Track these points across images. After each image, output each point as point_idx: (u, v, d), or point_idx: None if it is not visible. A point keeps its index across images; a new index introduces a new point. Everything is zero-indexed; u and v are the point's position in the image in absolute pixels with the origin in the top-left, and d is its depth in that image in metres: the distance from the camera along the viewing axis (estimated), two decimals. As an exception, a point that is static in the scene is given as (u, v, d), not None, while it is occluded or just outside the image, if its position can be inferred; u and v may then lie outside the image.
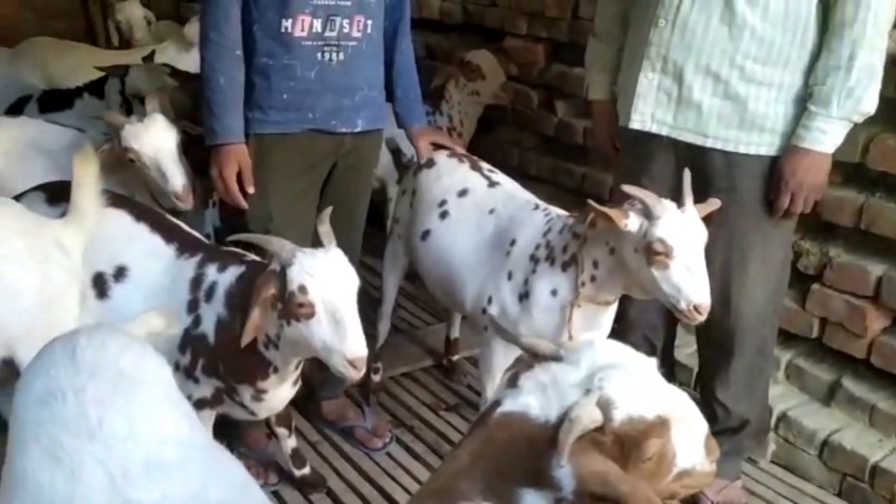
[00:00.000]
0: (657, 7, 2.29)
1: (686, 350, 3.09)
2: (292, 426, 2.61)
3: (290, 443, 2.61)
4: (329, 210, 2.08)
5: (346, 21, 2.43)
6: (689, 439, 1.09)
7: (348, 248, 2.36)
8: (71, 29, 5.47)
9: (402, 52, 2.72)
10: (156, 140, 2.60)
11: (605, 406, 1.00)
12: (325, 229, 2.01)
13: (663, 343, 2.74)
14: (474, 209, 2.58)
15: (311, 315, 1.89)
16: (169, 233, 2.27)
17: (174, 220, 2.36)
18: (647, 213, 2.02)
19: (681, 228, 2.01)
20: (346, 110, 2.52)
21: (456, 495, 1.01)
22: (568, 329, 2.22)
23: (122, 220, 2.25)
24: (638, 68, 2.35)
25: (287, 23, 2.36)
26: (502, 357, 2.50)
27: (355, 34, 2.47)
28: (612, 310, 2.33)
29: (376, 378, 3.13)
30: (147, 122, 2.63)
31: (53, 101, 3.57)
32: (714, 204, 2.14)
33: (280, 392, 2.20)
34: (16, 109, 3.54)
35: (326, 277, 1.89)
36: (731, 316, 2.45)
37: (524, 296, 2.33)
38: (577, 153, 3.69)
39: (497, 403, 1.05)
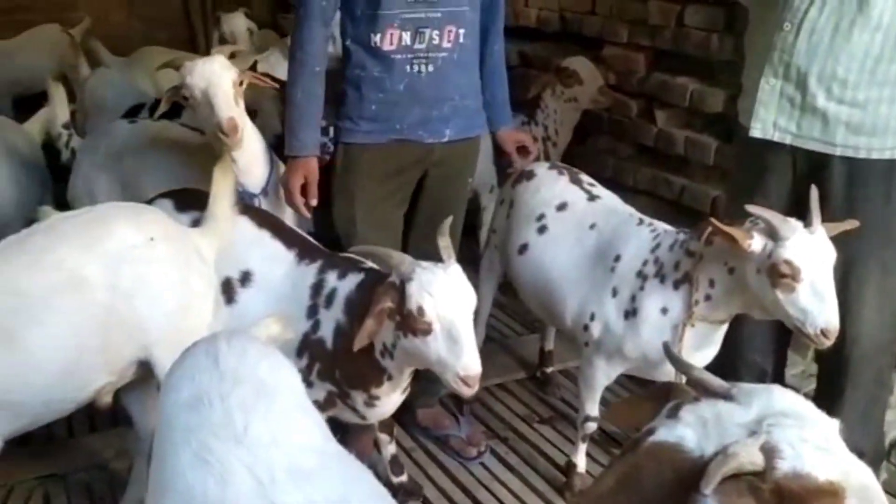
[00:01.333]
0: (783, 10, 2.21)
1: (791, 371, 2.99)
2: (394, 433, 2.64)
3: (391, 449, 2.64)
4: (449, 220, 2.09)
5: (436, 32, 2.44)
6: None
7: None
8: (174, 38, 5.69)
9: (493, 54, 2.73)
10: (209, 74, 2.48)
11: (769, 452, 0.95)
12: (444, 243, 2.02)
13: (774, 367, 2.66)
14: (574, 224, 2.56)
15: (427, 332, 1.91)
16: (289, 239, 2.33)
17: (293, 226, 2.42)
18: (773, 234, 1.96)
19: (809, 249, 1.95)
20: (434, 121, 2.53)
21: None
22: (679, 349, 2.18)
23: (245, 226, 2.32)
24: (760, 73, 2.28)
25: (376, 37, 2.40)
26: (603, 374, 2.48)
27: (446, 45, 2.47)
28: (723, 329, 2.28)
29: (470, 388, 3.14)
30: (205, 59, 2.57)
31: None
32: (848, 224, 2.06)
33: (391, 398, 2.24)
34: (130, 117, 3.67)
35: (445, 295, 1.91)
36: (847, 344, 2.35)
37: (631, 313, 2.30)
38: (676, 164, 3.62)
39: (651, 431, 1.03)
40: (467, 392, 1.95)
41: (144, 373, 2.14)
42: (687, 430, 1.00)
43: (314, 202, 2.49)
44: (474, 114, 2.67)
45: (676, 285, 2.21)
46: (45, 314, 1.88)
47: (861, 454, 2.60)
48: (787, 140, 2.28)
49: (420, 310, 1.89)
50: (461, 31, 2.49)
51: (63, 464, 2.73)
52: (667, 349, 1.25)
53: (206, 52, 5.48)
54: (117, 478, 2.65)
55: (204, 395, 1.28)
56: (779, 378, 2.75)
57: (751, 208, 2.01)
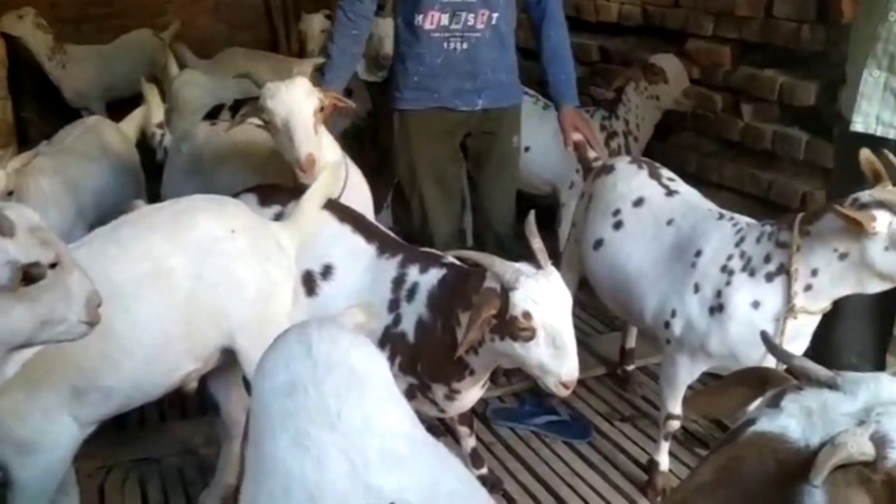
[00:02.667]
0: (889, 0, 2.13)
1: (890, 370, 2.87)
2: (473, 426, 2.65)
3: (470, 442, 2.65)
4: (532, 218, 2.09)
5: (471, 15, 2.80)
6: None
7: (502, 204, 3.05)
8: (256, 39, 5.84)
9: (550, 39, 2.98)
10: (291, 103, 2.43)
11: (879, 442, 0.92)
12: (538, 245, 2.01)
13: (873, 369, 2.56)
14: (651, 220, 2.52)
15: (530, 338, 1.93)
16: (370, 233, 2.37)
17: (373, 221, 2.46)
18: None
19: None
20: (467, 92, 2.89)
21: None
22: (780, 342, 2.12)
23: (328, 221, 2.37)
24: (862, 65, 2.20)
25: (419, 17, 2.80)
26: (686, 371, 2.43)
27: (479, 26, 2.82)
28: (815, 321, 2.22)
29: (549, 383, 3.12)
30: (288, 83, 2.47)
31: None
32: None
33: (471, 393, 2.26)
34: (211, 117, 3.79)
35: (548, 302, 1.92)
36: None
37: (716, 308, 2.25)
38: (764, 159, 3.52)
39: (750, 422, 1.01)
40: (565, 394, 2.00)
41: (228, 360, 2.22)
42: (791, 420, 0.97)
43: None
44: (507, 87, 2.98)
45: (770, 278, 2.15)
46: (132, 302, 1.97)
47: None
48: (891, 135, 2.20)
49: (526, 314, 1.90)
50: (494, 14, 2.82)
51: (156, 448, 2.85)
52: (766, 338, 1.22)
53: (287, 53, 5.63)
54: (207, 463, 2.75)
55: (298, 381, 1.32)
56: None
57: (877, 193, 1.94)
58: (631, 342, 3.26)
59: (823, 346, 2.41)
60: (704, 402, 1.24)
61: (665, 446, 2.63)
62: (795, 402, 0.98)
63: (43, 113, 5.36)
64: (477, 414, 3.01)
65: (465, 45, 2.82)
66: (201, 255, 2.09)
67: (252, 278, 2.15)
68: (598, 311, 3.72)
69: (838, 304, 2.34)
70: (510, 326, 1.92)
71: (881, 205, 1.92)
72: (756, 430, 0.99)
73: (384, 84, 3.87)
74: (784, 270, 2.12)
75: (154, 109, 3.39)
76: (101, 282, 1.92)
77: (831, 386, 0.99)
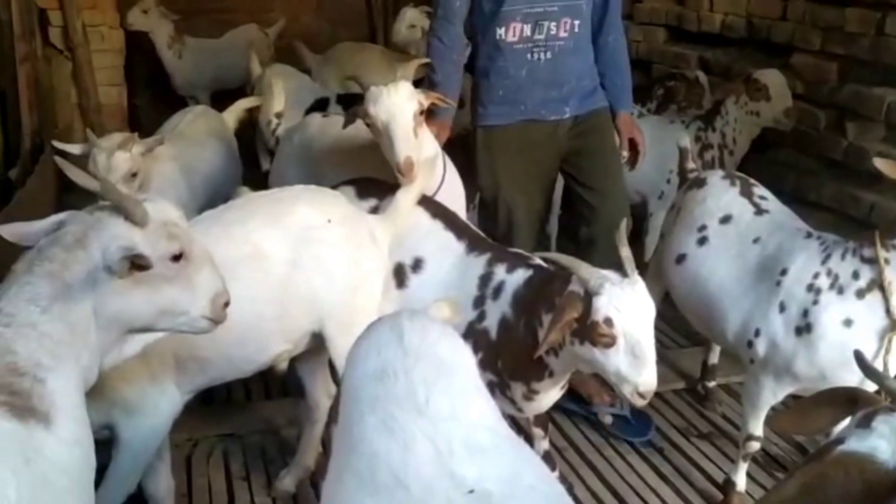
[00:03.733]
0: None
1: None
2: (548, 428, 2.66)
3: (544, 445, 2.66)
4: (623, 228, 2.09)
5: (553, 24, 2.75)
6: None
7: (616, 204, 2.89)
8: (357, 36, 5.98)
9: (608, 45, 2.93)
10: (392, 108, 2.44)
11: None
12: (626, 253, 2.01)
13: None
14: (736, 238, 2.49)
15: (610, 345, 1.93)
16: (460, 230, 2.42)
17: (464, 219, 2.51)
18: None
19: None
20: (554, 101, 2.84)
21: None
22: (885, 361, 2.08)
23: (421, 216, 2.43)
24: None
25: (500, 30, 2.75)
26: (770, 392, 2.39)
27: (562, 34, 2.78)
28: None
29: (627, 392, 3.10)
30: (390, 87, 2.48)
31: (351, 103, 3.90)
32: None
33: (549, 394, 2.27)
34: (317, 109, 3.90)
35: (632, 311, 1.92)
36: None
37: (804, 329, 2.21)
38: (867, 180, 3.40)
39: (839, 441, 1.00)
40: (641, 404, 1.99)
41: (317, 345, 2.30)
42: (881, 441, 0.96)
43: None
44: (592, 91, 2.93)
45: (861, 294, 2.11)
46: (230, 281, 2.05)
47: None
48: None
49: (608, 321, 1.91)
50: (576, 21, 2.78)
51: (240, 425, 2.97)
52: (860, 357, 1.20)
53: (386, 46, 5.72)
54: (287, 443, 2.85)
55: (389, 368, 1.36)
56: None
57: None
58: (714, 358, 3.20)
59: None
60: (791, 420, 1.23)
61: (743, 466, 2.58)
62: (887, 424, 0.97)
63: (153, 100, 5.65)
64: (553, 419, 3.03)
65: (548, 55, 2.78)
66: (298, 241, 2.18)
67: (344, 267, 2.23)
68: (681, 324, 3.64)
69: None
70: (591, 331, 1.93)
71: None
72: (844, 449, 0.98)
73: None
74: (876, 285, 2.07)
75: (276, 99, 3.52)
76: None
77: None
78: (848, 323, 2.13)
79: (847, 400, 1.07)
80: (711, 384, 3.22)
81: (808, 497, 0.97)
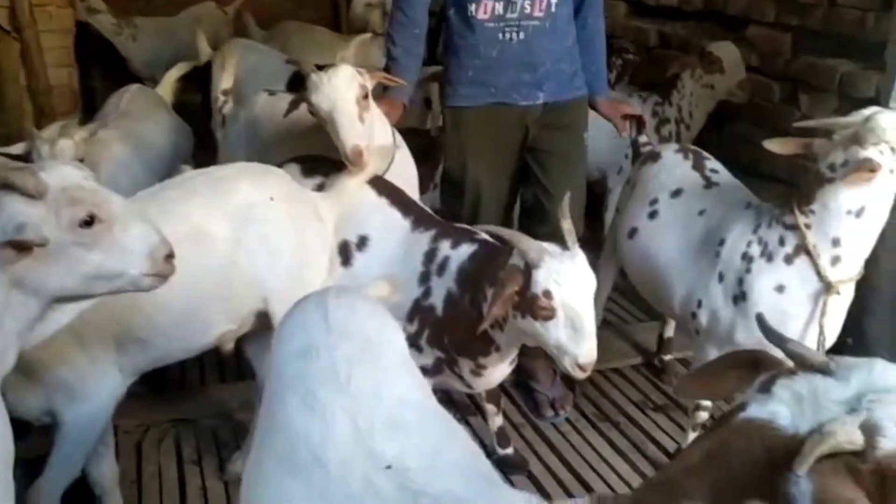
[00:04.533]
0: None
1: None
2: (500, 404, 2.66)
3: (497, 421, 2.66)
4: (566, 202, 2.07)
5: (527, 2, 2.61)
6: None
7: (573, 206, 2.60)
8: (320, 16, 5.90)
9: (587, 26, 2.81)
10: (334, 93, 2.37)
11: (869, 430, 0.89)
12: (567, 226, 2.01)
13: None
14: (684, 210, 2.51)
15: (550, 317, 1.93)
16: (406, 207, 2.40)
17: (411, 196, 2.48)
18: (881, 135, 1.95)
19: None
20: (526, 85, 2.69)
21: (680, 492, 0.96)
22: (821, 324, 2.10)
23: (367, 194, 2.40)
24: None
25: (472, 6, 2.62)
26: (717, 361, 2.39)
27: (537, 14, 2.63)
28: (844, 301, 2.18)
29: (583, 368, 3.10)
30: (330, 73, 2.40)
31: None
32: None
33: (498, 369, 2.27)
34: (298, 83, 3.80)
35: (571, 284, 1.92)
36: None
37: (740, 297, 2.23)
38: (820, 152, 3.40)
39: (741, 407, 0.99)
40: (581, 376, 1.99)
41: (264, 325, 2.27)
42: (780, 407, 0.95)
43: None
44: (570, 77, 2.77)
45: (789, 260, 2.14)
46: None
47: None
48: None
49: (547, 293, 1.91)
50: (553, 0, 2.63)
51: (193, 410, 2.93)
52: (760, 320, 1.19)
53: (348, 31, 5.65)
54: (241, 426, 2.81)
55: (313, 346, 1.34)
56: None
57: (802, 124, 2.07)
58: (669, 331, 3.22)
59: (855, 338, 2.36)
60: (696, 385, 1.21)
61: (693, 436, 2.59)
62: (786, 388, 0.96)
63: (109, 82, 5.51)
64: (510, 396, 3.03)
65: (521, 35, 2.63)
66: (240, 220, 2.15)
67: (288, 245, 2.20)
68: (638, 298, 3.67)
69: (871, 299, 2.29)
70: (531, 304, 1.92)
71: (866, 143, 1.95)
72: (746, 415, 0.97)
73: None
74: (802, 250, 2.10)
75: (226, 76, 3.45)
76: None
77: (824, 371, 0.96)
78: (780, 289, 2.15)
79: (750, 363, 1.05)
80: (667, 357, 3.24)
81: (711, 464, 0.96)
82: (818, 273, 2.10)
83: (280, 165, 2.49)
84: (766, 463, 0.92)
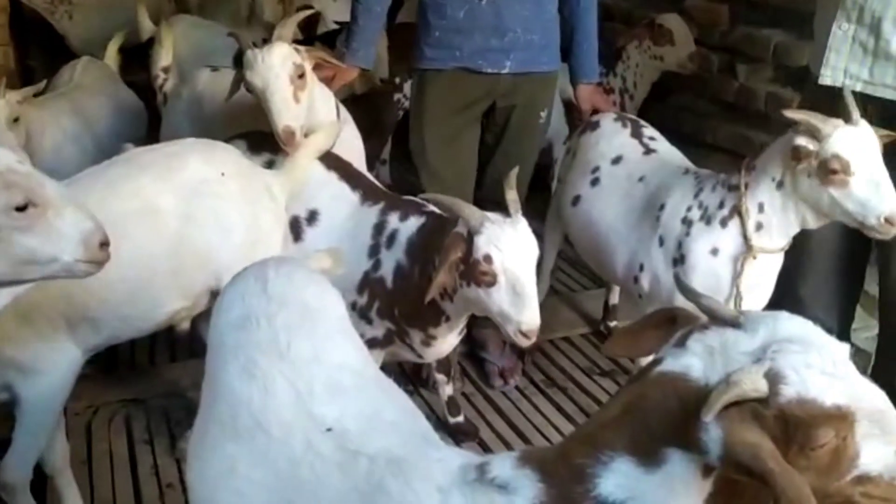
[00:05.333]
0: None
1: (865, 334, 2.90)
2: (451, 374, 2.71)
3: (448, 390, 2.71)
4: (515, 171, 2.11)
5: None
6: (879, 438, 0.99)
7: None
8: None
9: (579, 4, 2.74)
10: (267, 71, 2.33)
11: (773, 378, 0.95)
12: (512, 196, 2.03)
13: (839, 326, 2.58)
14: (625, 178, 2.56)
15: (492, 283, 1.96)
16: (355, 181, 2.42)
17: (360, 170, 2.50)
18: (815, 134, 1.95)
19: (854, 141, 1.93)
20: (493, 51, 2.59)
21: (600, 444, 1.02)
22: (737, 285, 2.16)
23: (316, 168, 2.41)
24: (831, 18, 2.19)
25: None
26: (657, 327, 2.47)
27: None
28: (773, 268, 2.25)
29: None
30: (265, 51, 2.35)
31: None
32: (891, 135, 2.01)
33: (447, 339, 2.31)
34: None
35: (512, 249, 1.95)
36: None
37: (679, 260, 2.30)
38: (759, 121, 3.50)
39: (658, 361, 1.05)
40: (525, 343, 2.01)
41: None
42: (693, 360, 1.01)
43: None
44: (540, 50, 2.67)
45: (724, 223, 2.21)
46: (118, 239, 1.99)
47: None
48: (858, 87, 2.20)
49: (487, 258, 1.94)
50: None
51: (144, 390, 2.92)
52: (678, 279, 1.25)
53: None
54: (193, 405, 2.75)
55: (252, 315, 1.37)
56: (844, 336, 2.67)
57: (788, 112, 1.99)
58: (614, 298, 3.30)
59: (790, 301, 2.44)
60: (621, 344, 1.27)
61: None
62: (699, 342, 1.01)
63: (49, 61, 5.37)
64: (461, 366, 3.08)
65: None
66: (190, 195, 2.14)
67: (240, 221, 2.20)
68: (584, 266, 3.74)
69: (806, 261, 2.37)
70: (473, 270, 1.95)
71: (811, 129, 1.97)
72: (661, 369, 1.02)
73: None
74: (736, 212, 2.15)
75: (164, 52, 3.39)
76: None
77: (734, 325, 1.02)
78: (715, 252, 2.22)
79: (668, 320, 1.11)
80: (613, 324, 3.32)
81: (629, 417, 1.02)
82: (744, 235, 2.16)
83: (227, 141, 2.47)
84: (680, 413, 0.98)
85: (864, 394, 0.98)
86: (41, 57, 5.47)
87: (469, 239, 1.96)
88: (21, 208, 1.50)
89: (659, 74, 3.84)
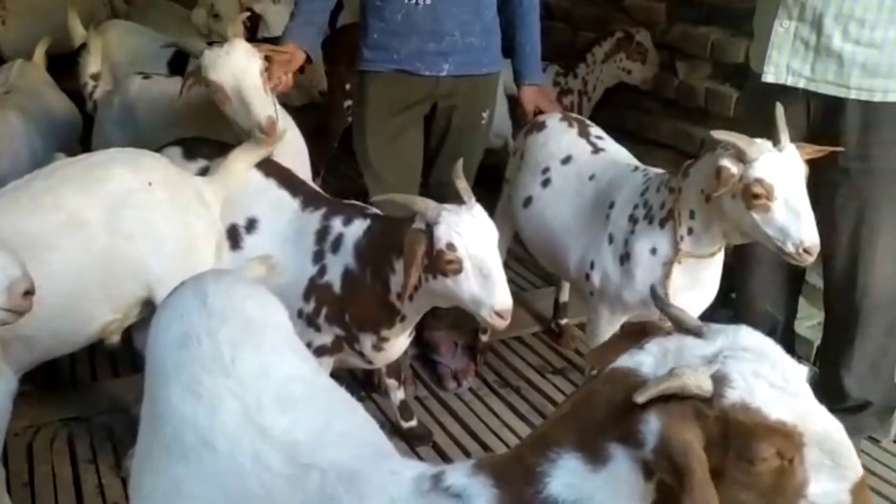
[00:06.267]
0: None
1: (807, 322, 2.97)
2: (402, 378, 2.69)
3: (399, 394, 2.69)
4: (461, 163, 2.10)
5: None
6: (831, 471, 0.96)
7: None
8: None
9: (521, 6, 2.73)
10: (235, 68, 2.32)
11: (719, 380, 0.95)
12: (462, 185, 2.04)
13: (785, 317, 2.64)
14: (575, 177, 2.57)
15: (458, 270, 1.95)
16: (294, 187, 2.37)
17: (298, 176, 2.45)
18: (742, 156, 1.94)
19: (780, 167, 1.93)
20: (431, 54, 2.58)
21: (549, 443, 1.01)
22: (664, 287, 2.18)
23: (253, 175, 2.36)
24: (773, 16, 2.23)
25: None
26: (607, 322, 2.49)
27: None
28: (715, 266, 2.27)
29: (484, 337, 3.16)
30: (227, 48, 2.34)
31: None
32: (821, 149, 2.02)
33: (399, 341, 2.29)
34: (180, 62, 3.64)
35: (472, 234, 1.94)
36: (858, 292, 2.34)
37: (625, 257, 2.32)
38: (698, 116, 3.56)
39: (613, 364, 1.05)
40: (501, 324, 2.00)
41: (151, 313, 2.20)
42: (647, 358, 1.01)
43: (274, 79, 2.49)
44: (480, 52, 2.66)
45: (662, 224, 2.22)
46: (46, 253, 1.95)
47: (869, 404, 2.59)
48: (801, 84, 2.24)
49: (450, 245, 1.93)
50: None
51: (86, 407, 2.82)
52: (652, 289, 1.25)
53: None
54: (138, 421, 2.72)
55: (193, 332, 1.32)
56: (789, 327, 2.73)
57: (716, 133, 1.99)
58: (564, 296, 3.31)
59: (740, 294, 2.48)
60: (599, 355, 1.26)
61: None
62: (657, 345, 1.02)
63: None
64: (413, 370, 3.06)
65: (428, 1, 2.52)
66: (117, 206, 2.09)
67: (171, 231, 2.15)
68: (534, 265, 3.76)
69: (752, 255, 2.41)
70: (438, 262, 1.94)
71: (737, 152, 1.95)
72: (614, 366, 1.02)
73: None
74: (672, 215, 2.17)
75: (93, 59, 3.29)
76: (13, 233, 1.90)
77: (696, 333, 1.02)
78: (654, 251, 2.23)
79: (640, 332, 1.11)
80: (564, 321, 3.34)
81: (579, 412, 1.02)
82: (674, 238, 2.17)
83: (160, 149, 2.41)
84: (623, 404, 0.97)
85: (815, 417, 0.96)
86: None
87: (428, 231, 1.95)
88: None
89: (616, 82, 3.87)
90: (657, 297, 1.16)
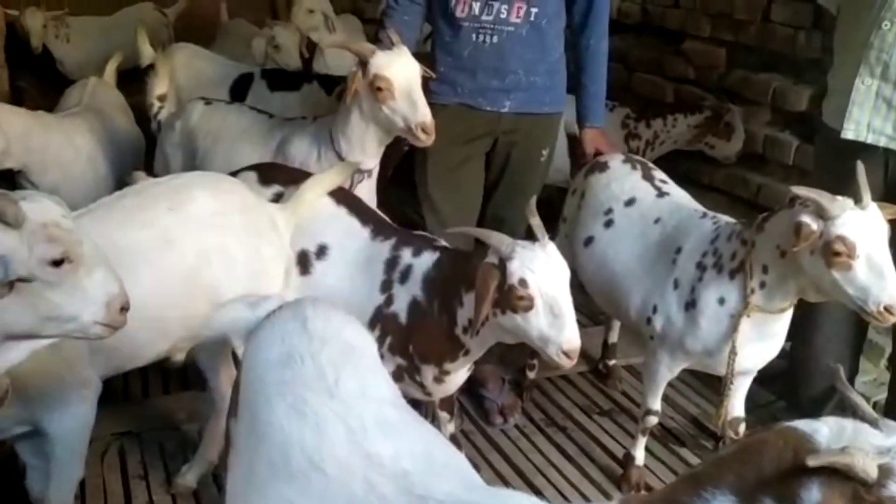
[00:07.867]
0: (881, 8, 2.16)
1: (863, 378, 2.93)
2: (454, 411, 2.67)
3: (450, 428, 2.66)
4: (534, 200, 2.11)
5: (504, 6, 2.60)
6: None
7: (516, 222, 2.63)
8: (259, 22, 5.79)
9: (588, 49, 2.78)
10: (407, 70, 2.45)
11: (886, 472, 0.96)
12: (536, 221, 2.05)
13: (848, 374, 2.60)
14: (639, 219, 2.56)
15: (529, 308, 1.94)
16: (365, 216, 2.40)
17: (368, 205, 2.48)
18: (823, 213, 1.92)
19: (862, 225, 1.91)
20: (493, 91, 2.67)
21: (705, 483, 1.02)
22: (733, 339, 2.16)
23: (325, 202, 2.39)
24: (853, 73, 2.23)
25: (452, 3, 2.62)
26: (666, 367, 2.47)
27: (514, 19, 2.61)
28: (784, 320, 2.25)
29: (531, 375, 3.15)
30: (396, 51, 2.48)
31: (283, 81, 3.73)
32: None
33: (459, 375, 2.29)
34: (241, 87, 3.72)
35: (545, 271, 1.94)
36: None
37: (690, 304, 2.30)
38: (754, 162, 3.56)
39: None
40: (568, 364, 2.00)
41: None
42: (824, 428, 1.02)
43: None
44: (543, 91, 2.73)
45: (732, 275, 2.20)
46: (137, 265, 1.99)
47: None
48: (882, 142, 2.24)
49: (523, 282, 1.93)
50: (533, 9, 2.61)
51: (138, 422, 2.84)
52: (836, 371, 1.23)
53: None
54: (188, 438, 2.75)
55: (295, 353, 1.34)
56: (852, 383, 2.69)
57: (797, 189, 1.97)
58: (613, 337, 3.29)
59: (802, 349, 2.45)
60: None
61: (642, 441, 2.66)
62: (836, 422, 1.03)
63: (40, 83, 5.32)
64: (460, 404, 3.04)
65: (494, 39, 2.61)
66: (200, 229, 2.14)
67: (243, 254, 2.19)
68: (584, 305, 3.71)
69: (818, 310, 2.38)
70: (509, 297, 1.94)
71: (818, 208, 1.93)
72: (790, 424, 1.03)
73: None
74: (743, 268, 2.16)
75: (160, 81, 3.37)
76: (106, 246, 1.94)
77: (872, 424, 1.03)
78: (721, 301, 2.21)
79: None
80: (612, 362, 3.31)
81: (743, 457, 1.02)
82: (744, 291, 2.15)
83: (236, 173, 2.46)
84: (791, 466, 0.99)
85: None
86: (32, 80, 5.41)
87: (501, 266, 1.95)
88: (57, 263, 1.48)
89: (692, 149, 3.79)
90: (841, 382, 1.15)
